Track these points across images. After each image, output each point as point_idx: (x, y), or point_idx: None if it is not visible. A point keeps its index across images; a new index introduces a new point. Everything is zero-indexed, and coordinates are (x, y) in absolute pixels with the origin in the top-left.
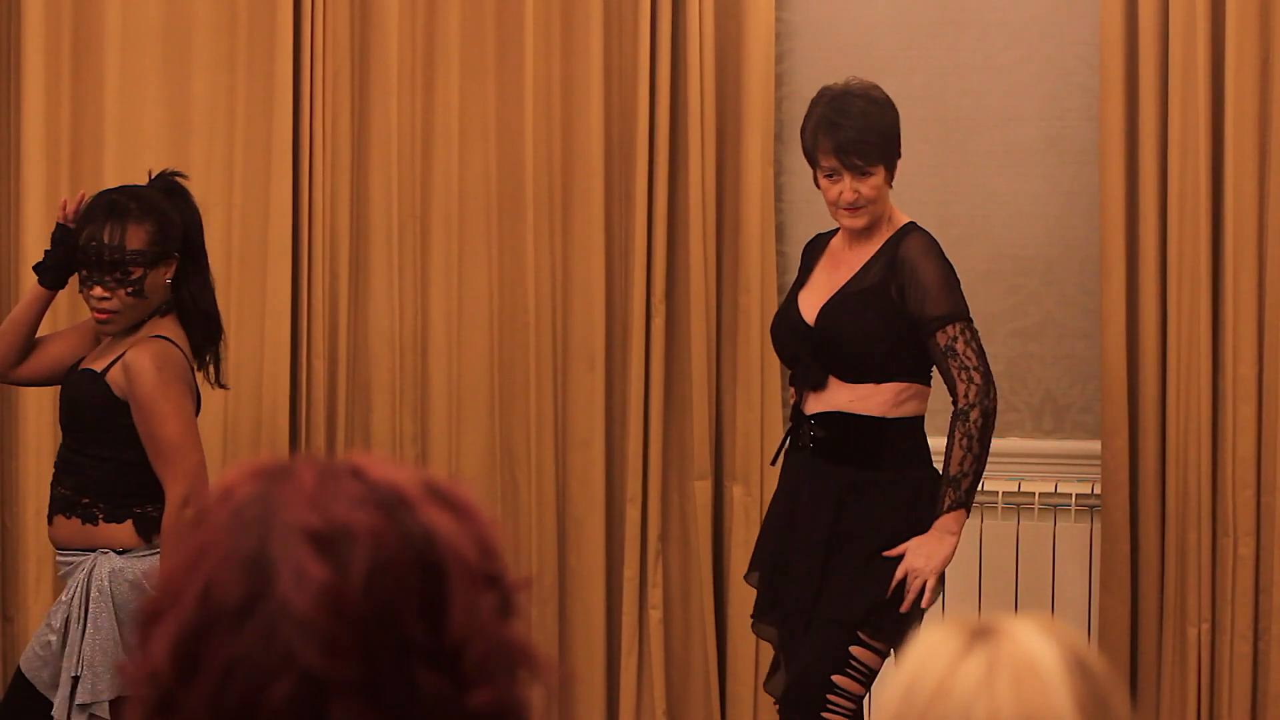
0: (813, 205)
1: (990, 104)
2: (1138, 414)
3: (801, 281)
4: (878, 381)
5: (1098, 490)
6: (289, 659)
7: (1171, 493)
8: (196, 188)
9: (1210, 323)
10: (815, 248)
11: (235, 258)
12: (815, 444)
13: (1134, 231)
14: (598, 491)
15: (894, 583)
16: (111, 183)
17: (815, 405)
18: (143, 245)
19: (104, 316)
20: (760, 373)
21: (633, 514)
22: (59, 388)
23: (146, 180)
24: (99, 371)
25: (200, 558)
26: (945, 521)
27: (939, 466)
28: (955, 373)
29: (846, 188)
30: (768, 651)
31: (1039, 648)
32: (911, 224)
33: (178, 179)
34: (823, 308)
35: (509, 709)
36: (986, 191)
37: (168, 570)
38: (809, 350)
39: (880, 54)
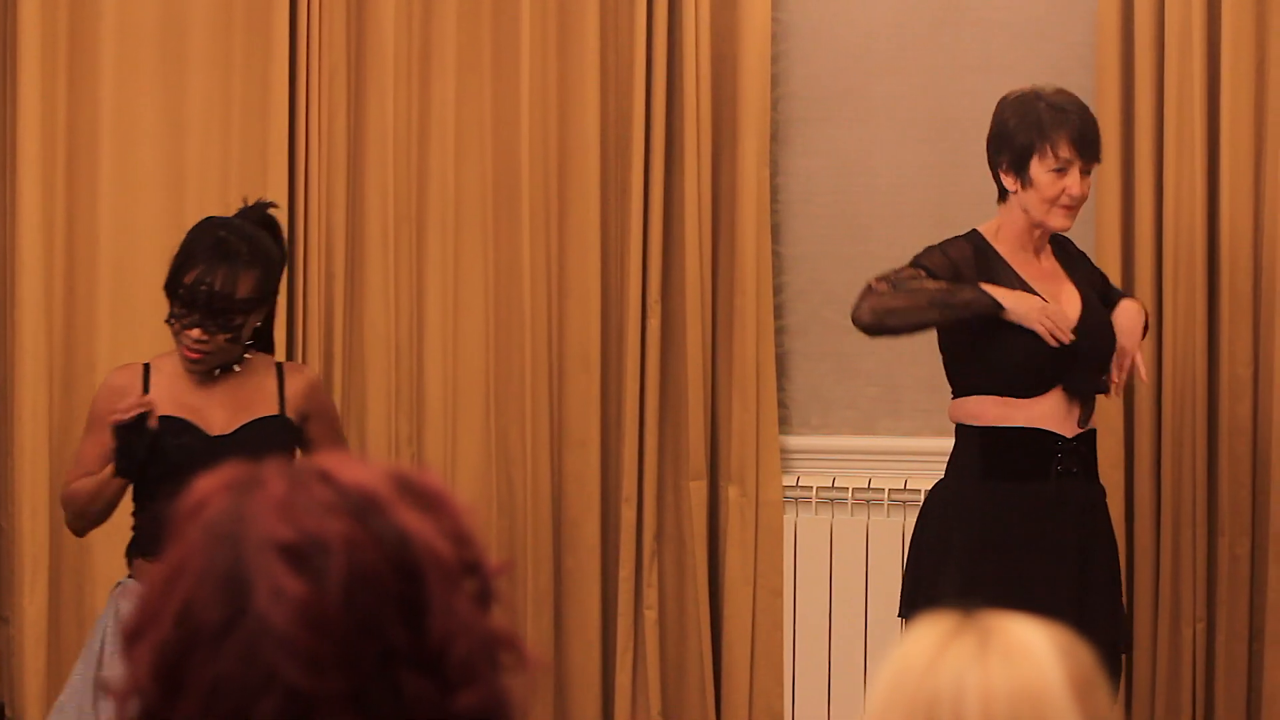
0: (808, 206)
1: (987, 104)
2: (1133, 412)
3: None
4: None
5: None
6: (271, 678)
7: (1167, 491)
8: (191, 187)
9: (1206, 322)
10: (988, 253)
11: None
12: (1083, 466)
13: (1130, 231)
14: (593, 492)
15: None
16: (107, 182)
17: (1070, 426)
18: (250, 293)
19: (196, 356)
20: (755, 373)
21: (628, 514)
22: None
23: (241, 205)
24: (278, 415)
25: (176, 576)
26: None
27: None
28: None
29: (1076, 182)
30: (763, 652)
31: (1027, 631)
32: None
33: (272, 210)
34: (1081, 321)
35: (495, 708)
36: (984, 193)
37: (146, 588)
38: (1092, 360)
39: (877, 54)
